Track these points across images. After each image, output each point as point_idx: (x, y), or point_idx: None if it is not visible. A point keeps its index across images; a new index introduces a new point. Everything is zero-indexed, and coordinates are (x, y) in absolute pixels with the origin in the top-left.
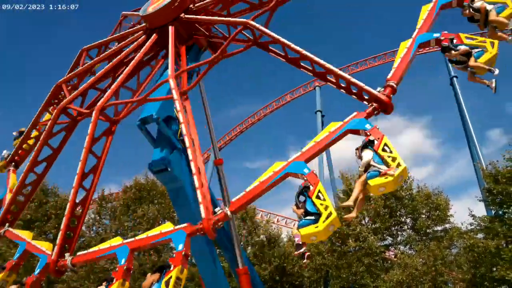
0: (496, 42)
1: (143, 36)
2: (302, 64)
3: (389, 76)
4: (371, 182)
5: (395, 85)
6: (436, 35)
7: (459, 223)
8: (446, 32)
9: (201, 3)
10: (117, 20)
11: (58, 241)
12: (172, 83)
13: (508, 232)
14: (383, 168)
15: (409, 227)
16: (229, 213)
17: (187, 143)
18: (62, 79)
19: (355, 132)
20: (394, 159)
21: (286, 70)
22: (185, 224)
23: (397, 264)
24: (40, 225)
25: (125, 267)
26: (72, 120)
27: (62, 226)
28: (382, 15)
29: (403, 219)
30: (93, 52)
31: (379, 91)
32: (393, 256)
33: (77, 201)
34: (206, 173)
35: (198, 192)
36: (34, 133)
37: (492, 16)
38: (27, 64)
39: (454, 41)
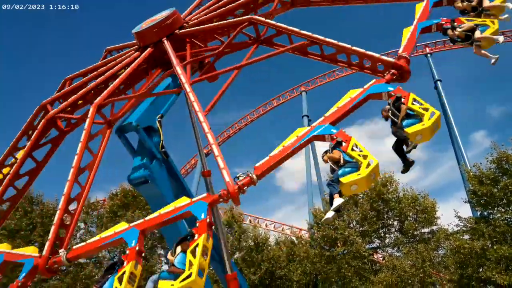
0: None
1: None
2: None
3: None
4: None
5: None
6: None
7: (446, 225)
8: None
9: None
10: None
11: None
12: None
13: (493, 233)
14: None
15: (396, 229)
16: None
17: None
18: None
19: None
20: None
21: (272, 76)
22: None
23: (386, 267)
24: (26, 234)
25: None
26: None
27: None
28: (365, 22)
29: (390, 222)
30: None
31: None
32: (381, 259)
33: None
34: (192, 183)
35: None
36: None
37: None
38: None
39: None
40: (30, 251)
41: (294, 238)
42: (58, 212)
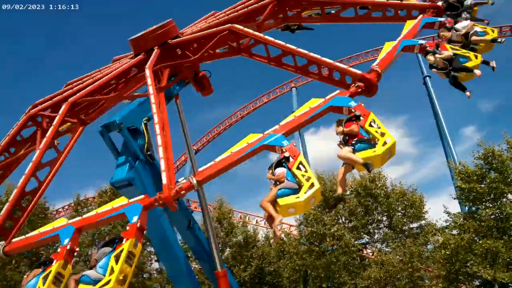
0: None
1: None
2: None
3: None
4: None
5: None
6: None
7: (435, 220)
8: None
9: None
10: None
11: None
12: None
13: (479, 228)
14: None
15: (385, 225)
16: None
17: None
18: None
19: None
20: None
21: (262, 72)
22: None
23: (374, 262)
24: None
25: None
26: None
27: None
28: None
29: (379, 217)
30: None
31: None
32: (370, 254)
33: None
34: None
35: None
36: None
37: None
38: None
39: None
40: (123, 200)
41: (283, 235)
42: (161, 149)
